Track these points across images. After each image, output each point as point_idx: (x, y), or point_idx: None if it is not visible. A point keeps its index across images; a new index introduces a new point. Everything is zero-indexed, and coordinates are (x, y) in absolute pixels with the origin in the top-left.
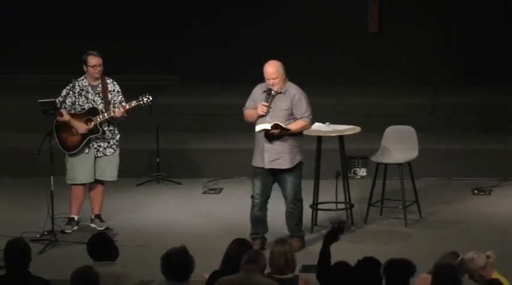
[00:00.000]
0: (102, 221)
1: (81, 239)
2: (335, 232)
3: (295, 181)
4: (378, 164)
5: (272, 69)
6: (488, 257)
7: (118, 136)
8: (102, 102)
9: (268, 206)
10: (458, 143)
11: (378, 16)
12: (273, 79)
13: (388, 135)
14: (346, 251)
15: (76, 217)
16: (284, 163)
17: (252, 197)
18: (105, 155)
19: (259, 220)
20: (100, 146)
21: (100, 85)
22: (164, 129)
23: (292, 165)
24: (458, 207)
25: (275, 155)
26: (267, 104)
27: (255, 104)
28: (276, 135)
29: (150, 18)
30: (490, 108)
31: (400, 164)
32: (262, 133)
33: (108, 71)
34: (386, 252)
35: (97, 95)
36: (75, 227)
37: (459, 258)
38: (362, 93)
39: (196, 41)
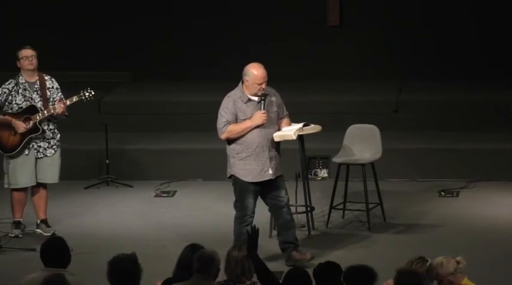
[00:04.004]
0: (48, 226)
1: (26, 245)
2: (252, 238)
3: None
4: (339, 165)
5: (263, 71)
6: (458, 262)
7: (58, 136)
8: (40, 100)
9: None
10: (423, 143)
11: (339, 7)
12: (265, 82)
13: (350, 134)
14: None
15: (21, 220)
16: (280, 169)
17: (244, 216)
18: (46, 156)
19: None
20: (40, 146)
21: (38, 82)
22: (114, 128)
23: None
24: (425, 210)
25: (277, 162)
26: (265, 112)
27: (236, 117)
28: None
29: (100, 13)
30: (457, 105)
31: (363, 164)
32: (262, 142)
33: (55, 67)
34: (349, 257)
35: (35, 92)
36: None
37: (428, 264)
38: (322, 90)
39: (148, 37)
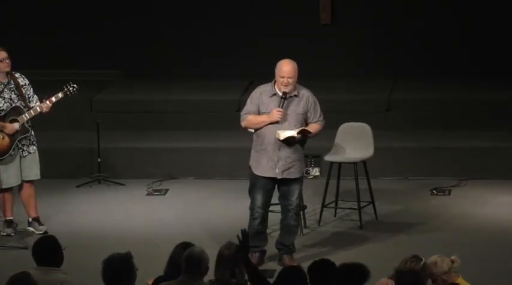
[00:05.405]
0: (41, 224)
1: (18, 244)
2: (243, 242)
3: (300, 190)
4: (331, 163)
5: (290, 67)
6: (452, 261)
7: (33, 132)
8: (19, 99)
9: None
10: (415, 141)
11: (330, 6)
12: (289, 78)
13: (341, 133)
14: (299, 255)
15: (12, 218)
16: (296, 172)
17: (252, 209)
18: (30, 153)
19: (260, 234)
20: (24, 145)
21: (12, 82)
22: (105, 126)
23: (302, 174)
24: (416, 208)
25: (289, 164)
26: (282, 110)
27: (258, 109)
28: (296, 140)
29: (91, 11)
30: (448, 103)
31: (354, 163)
32: (274, 139)
33: (47, 66)
34: (341, 256)
35: (12, 92)
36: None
37: (422, 263)
38: (313, 89)
39: (139, 35)
